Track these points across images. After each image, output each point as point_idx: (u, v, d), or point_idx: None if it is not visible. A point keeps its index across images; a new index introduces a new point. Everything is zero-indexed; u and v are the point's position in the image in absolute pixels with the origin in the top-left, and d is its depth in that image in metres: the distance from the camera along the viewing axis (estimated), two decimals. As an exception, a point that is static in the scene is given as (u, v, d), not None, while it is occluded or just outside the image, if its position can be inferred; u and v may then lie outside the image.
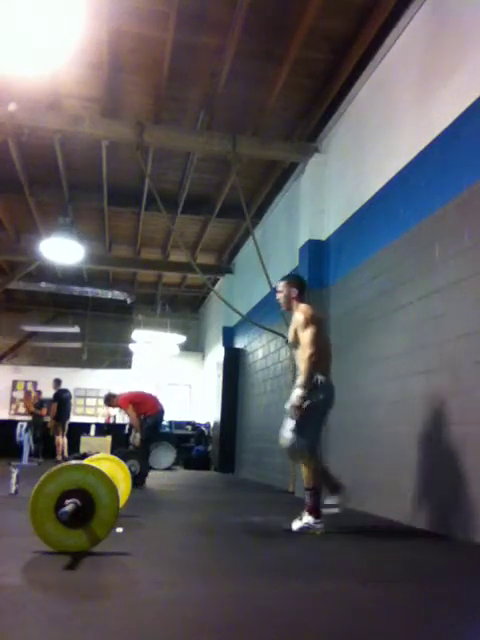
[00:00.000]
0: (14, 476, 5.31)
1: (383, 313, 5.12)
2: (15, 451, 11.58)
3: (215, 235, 10.81)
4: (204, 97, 6.49)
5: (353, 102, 6.15)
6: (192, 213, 9.60)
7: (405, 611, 2.16)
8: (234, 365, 10.88)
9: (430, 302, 4.37)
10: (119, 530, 3.55)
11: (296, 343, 4.04)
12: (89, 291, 12.95)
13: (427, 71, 4.74)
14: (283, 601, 2.24)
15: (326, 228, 6.66)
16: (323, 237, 6.68)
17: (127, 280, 13.74)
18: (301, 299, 4.20)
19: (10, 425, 13.39)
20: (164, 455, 11.06)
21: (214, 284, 12.45)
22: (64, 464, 3.05)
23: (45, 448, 12.79)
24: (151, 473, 7.70)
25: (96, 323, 15.08)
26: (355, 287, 5.76)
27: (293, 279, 4.35)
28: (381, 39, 5.36)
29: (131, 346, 14.65)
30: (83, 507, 2.83)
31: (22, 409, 15.29)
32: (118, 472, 4.01)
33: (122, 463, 4.18)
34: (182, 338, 13.93)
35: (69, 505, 2.78)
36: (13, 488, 5.29)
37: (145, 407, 7.53)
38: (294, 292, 4.20)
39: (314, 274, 6.62)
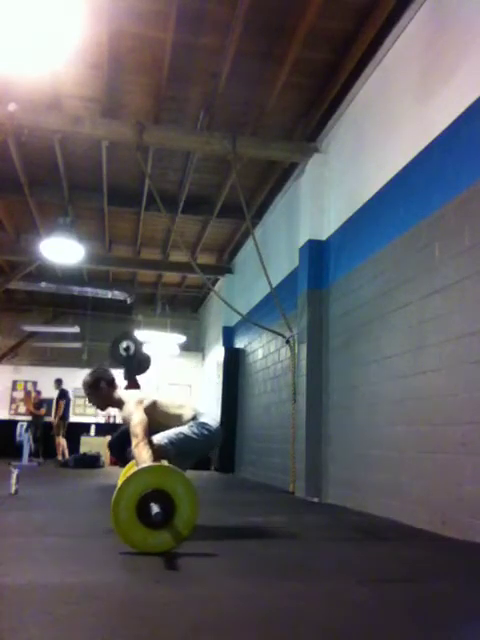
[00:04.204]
0: (14, 476, 5.32)
1: (383, 313, 5.12)
2: (15, 451, 11.60)
3: (215, 235, 10.80)
4: (204, 97, 6.48)
5: (353, 102, 6.15)
6: (192, 213, 9.60)
7: (405, 611, 2.16)
8: (234, 365, 10.87)
9: (430, 302, 4.37)
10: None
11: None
12: (89, 291, 12.94)
13: (427, 71, 4.74)
14: (283, 601, 2.24)
15: (326, 228, 6.66)
16: (323, 237, 6.68)
17: (127, 280, 13.74)
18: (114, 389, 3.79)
19: (10, 425, 13.42)
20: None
21: (214, 284, 12.44)
22: (138, 469, 3.08)
23: (45, 448, 12.80)
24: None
25: (96, 323, 15.06)
26: (355, 287, 5.76)
27: (96, 379, 3.75)
28: (381, 39, 5.36)
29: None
30: (164, 507, 2.91)
31: (22, 409, 15.28)
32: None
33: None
34: (182, 338, 13.93)
35: (156, 508, 2.85)
36: (13, 488, 5.30)
37: None
38: (105, 389, 3.73)
39: (314, 274, 6.63)
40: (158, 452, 3.49)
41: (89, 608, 2.07)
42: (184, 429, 3.71)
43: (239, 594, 2.33)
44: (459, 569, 3.02)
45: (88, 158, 7.95)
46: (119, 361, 7.87)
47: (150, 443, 3.43)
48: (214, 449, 3.90)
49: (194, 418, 3.78)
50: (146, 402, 3.66)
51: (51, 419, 12.55)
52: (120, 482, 3.10)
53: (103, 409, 3.98)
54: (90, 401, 3.81)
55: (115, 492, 2.92)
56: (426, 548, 3.56)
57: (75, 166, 8.24)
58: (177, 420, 3.77)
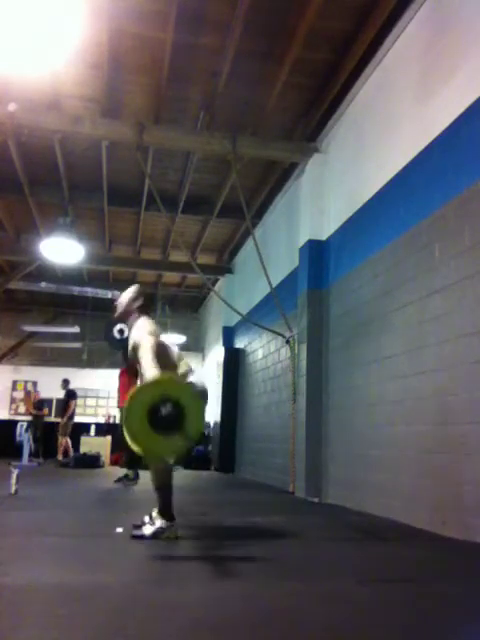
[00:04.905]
0: (14, 476, 5.31)
1: (383, 313, 5.12)
2: (15, 451, 11.60)
3: (215, 235, 10.81)
4: (204, 97, 6.48)
5: (353, 102, 6.15)
6: (192, 213, 9.60)
7: (405, 611, 2.16)
8: (234, 365, 10.88)
9: (430, 302, 4.37)
10: (119, 530, 3.55)
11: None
12: (89, 291, 12.95)
13: (427, 71, 4.74)
14: (283, 601, 2.24)
15: (326, 228, 6.66)
16: (323, 237, 6.68)
17: (127, 280, 13.72)
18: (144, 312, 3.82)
19: (10, 425, 13.43)
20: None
21: (214, 284, 12.45)
22: (146, 382, 3.15)
23: (45, 448, 12.80)
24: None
25: (96, 323, 15.04)
26: (355, 287, 5.76)
27: (136, 293, 3.88)
28: (381, 39, 5.36)
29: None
30: (174, 414, 2.97)
31: (22, 409, 15.30)
32: None
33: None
34: (182, 338, 13.93)
35: (167, 408, 2.92)
36: (13, 488, 5.29)
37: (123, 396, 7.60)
38: (139, 302, 3.80)
39: (314, 274, 6.63)
40: None
41: (89, 608, 2.07)
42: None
43: (239, 594, 2.33)
44: (459, 569, 3.02)
45: (88, 158, 7.95)
46: (114, 344, 7.84)
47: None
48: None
49: (185, 376, 3.65)
50: (157, 337, 3.60)
51: (59, 419, 12.58)
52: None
53: (122, 320, 3.91)
54: (114, 310, 3.86)
55: (126, 403, 2.99)
56: (426, 548, 3.56)
57: (75, 166, 8.25)
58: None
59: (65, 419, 12.08)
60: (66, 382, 12.56)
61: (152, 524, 3.42)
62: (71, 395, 12.29)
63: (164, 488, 3.48)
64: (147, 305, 3.89)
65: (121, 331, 7.24)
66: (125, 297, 3.85)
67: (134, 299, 3.82)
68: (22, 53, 5.70)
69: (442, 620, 2.10)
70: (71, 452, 12.02)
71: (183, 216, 9.55)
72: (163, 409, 2.92)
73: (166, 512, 3.43)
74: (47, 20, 5.24)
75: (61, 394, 12.45)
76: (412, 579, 2.69)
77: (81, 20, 5.28)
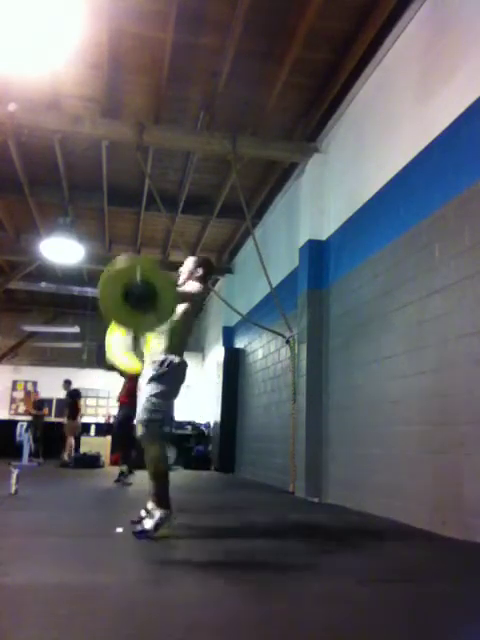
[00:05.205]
0: (14, 476, 5.31)
1: (383, 313, 5.12)
2: (15, 451, 11.59)
3: (215, 235, 10.80)
4: (204, 97, 6.48)
5: (353, 102, 6.15)
6: (192, 213, 9.60)
7: (405, 611, 2.16)
8: (234, 365, 10.87)
9: (430, 302, 4.37)
10: (119, 530, 3.55)
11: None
12: (89, 291, 12.95)
13: (427, 71, 4.74)
14: (283, 601, 2.24)
15: (326, 228, 6.66)
16: (323, 237, 6.68)
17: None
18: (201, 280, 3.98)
19: (10, 425, 13.42)
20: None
21: (214, 284, 12.45)
22: (116, 264, 3.27)
23: (45, 448, 12.80)
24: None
25: (96, 323, 15.02)
26: (355, 287, 5.76)
27: (200, 261, 4.08)
28: (381, 39, 5.36)
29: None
30: (146, 294, 3.19)
31: (22, 409, 15.30)
32: None
33: None
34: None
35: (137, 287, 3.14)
36: (13, 488, 5.29)
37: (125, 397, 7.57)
38: (199, 271, 3.95)
39: (314, 274, 6.63)
40: (152, 424, 3.49)
41: (89, 608, 2.07)
42: (156, 388, 3.55)
43: (239, 594, 2.32)
44: (459, 569, 3.02)
45: (88, 158, 7.95)
46: (107, 368, 7.77)
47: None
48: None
49: (176, 352, 3.68)
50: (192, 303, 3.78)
51: (63, 419, 12.59)
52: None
53: (187, 279, 3.93)
54: (182, 273, 3.98)
55: (103, 276, 3.19)
56: (426, 548, 3.56)
57: (75, 166, 8.24)
58: (181, 344, 3.75)
59: (78, 419, 12.14)
60: (68, 383, 12.57)
61: (151, 517, 3.41)
62: (77, 395, 12.34)
63: (161, 476, 3.49)
64: (205, 275, 3.99)
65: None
66: (187, 265, 4.00)
67: (195, 268, 3.95)
68: (22, 53, 5.70)
69: (442, 620, 2.10)
70: (72, 452, 12.03)
71: (183, 216, 9.55)
72: (137, 288, 3.13)
73: (163, 500, 3.44)
74: (47, 20, 5.24)
75: (61, 394, 12.44)
76: (412, 579, 2.69)
77: (81, 20, 5.29)
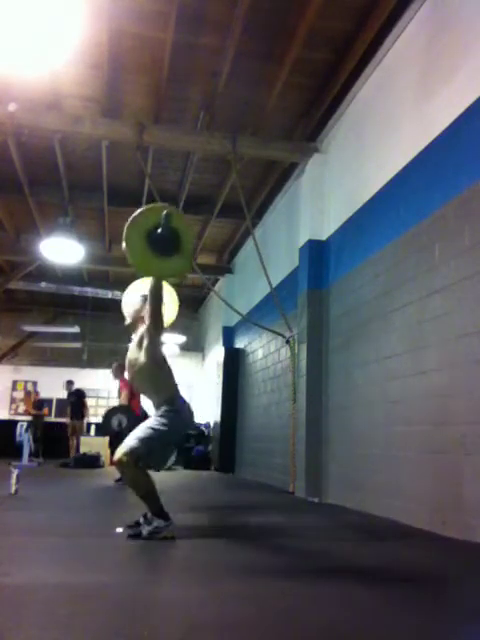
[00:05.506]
0: (14, 476, 5.32)
1: (383, 313, 5.12)
2: (15, 451, 11.60)
3: (215, 235, 10.80)
4: (204, 97, 6.48)
5: (353, 102, 6.15)
6: (192, 213, 9.57)
7: (404, 611, 2.16)
8: (234, 365, 10.87)
9: (430, 302, 4.37)
10: (119, 530, 3.55)
11: (136, 368, 3.64)
12: (89, 291, 12.95)
13: (427, 71, 4.74)
14: (283, 601, 2.24)
15: (326, 228, 6.66)
16: (323, 237, 6.68)
17: (127, 280, 13.70)
18: None
19: (10, 425, 13.42)
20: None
21: (214, 284, 12.45)
22: (142, 209, 3.49)
23: (45, 448, 12.80)
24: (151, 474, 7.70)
25: (96, 323, 15.06)
26: (355, 287, 5.76)
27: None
28: (381, 39, 5.36)
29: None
30: (170, 236, 3.36)
31: (22, 409, 15.30)
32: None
33: None
34: (182, 338, 13.93)
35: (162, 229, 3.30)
36: (13, 488, 5.30)
37: (134, 403, 7.64)
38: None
39: (314, 274, 6.63)
40: (129, 455, 3.36)
41: (89, 608, 2.07)
42: (153, 423, 3.52)
43: (239, 594, 2.32)
44: (459, 569, 3.02)
45: (88, 158, 7.95)
46: (110, 434, 7.79)
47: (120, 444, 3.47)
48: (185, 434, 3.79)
49: (171, 402, 3.61)
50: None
51: (64, 419, 12.64)
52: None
53: (133, 328, 3.82)
54: (129, 314, 3.89)
55: (123, 237, 3.33)
56: (426, 548, 3.56)
57: (75, 166, 8.24)
58: (166, 389, 3.64)
59: (79, 422, 12.24)
60: (71, 383, 12.59)
61: (148, 524, 3.41)
62: (82, 395, 12.44)
63: (148, 495, 3.45)
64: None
65: (120, 423, 7.27)
66: (130, 308, 3.88)
67: (141, 308, 3.80)
68: (22, 53, 5.70)
69: (442, 620, 2.10)
70: (73, 452, 12.05)
71: (183, 216, 9.53)
72: (160, 229, 3.28)
73: (160, 513, 3.42)
74: (47, 20, 5.24)
75: (61, 394, 12.46)
76: (412, 579, 2.69)
77: (81, 20, 5.28)
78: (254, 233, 7.93)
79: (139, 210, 3.50)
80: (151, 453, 3.44)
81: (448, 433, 3.99)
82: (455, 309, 4.06)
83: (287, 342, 7.41)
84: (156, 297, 3.58)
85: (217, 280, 12.59)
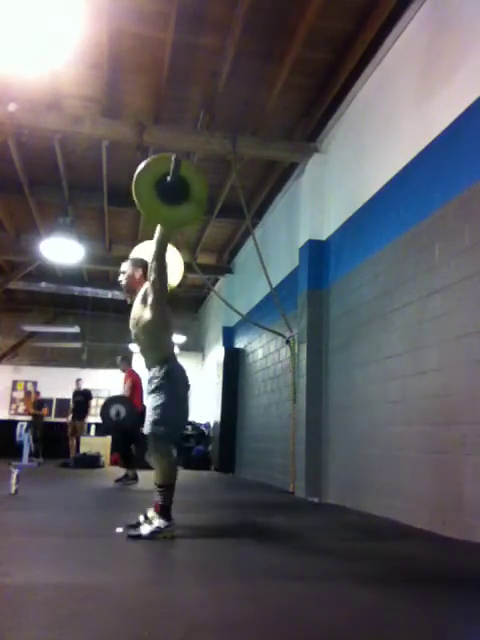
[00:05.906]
0: (14, 476, 5.31)
1: (383, 313, 5.12)
2: (15, 451, 11.60)
3: (215, 235, 10.80)
4: (204, 97, 6.48)
5: (353, 102, 6.15)
6: (192, 213, 9.58)
7: (404, 611, 2.16)
8: (234, 365, 10.87)
9: (430, 302, 4.37)
10: (119, 530, 3.55)
11: (139, 325, 3.67)
12: (89, 291, 12.95)
13: (427, 71, 4.74)
14: (283, 601, 2.24)
15: (326, 228, 6.66)
16: (323, 237, 6.68)
17: (127, 280, 13.73)
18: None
19: (10, 425, 13.43)
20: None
21: (214, 284, 12.44)
22: (150, 159, 3.49)
23: (45, 448, 12.80)
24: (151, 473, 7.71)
25: (96, 323, 15.06)
26: (355, 287, 5.76)
27: (138, 261, 3.88)
28: (381, 39, 5.36)
29: (131, 346, 14.64)
30: (181, 185, 3.33)
31: (22, 409, 15.30)
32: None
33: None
34: (182, 338, 13.93)
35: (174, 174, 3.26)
36: (13, 488, 5.29)
37: (136, 399, 7.67)
38: (139, 273, 3.78)
39: (314, 274, 6.63)
40: (154, 443, 3.48)
41: (89, 608, 2.07)
42: (157, 399, 3.52)
43: (239, 594, 2.32)
44: (459, 569, 3.02)
45: (88, 158, 7.95)
46: (108, 424, 7.80)
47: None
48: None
49: (163, 362, 3.59)
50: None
51: (65, 419, 12.67)
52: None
53: (130, 294, 3.86)
54: (124, 279, 3.86)
55: (133, 186, 3.35)
56: (426, 548, 3.56)
57: (75, 166, 8.24)
58: (162, 349, 3.65)
59: (81, 423, 12.37)
60: (80, 382, 12.79)
61: (149, 524, 3.41)
62: (89, 395, 12.50)
63: (168, 486, 3.47)
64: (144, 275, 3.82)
65: (118, 413, 7.31)
66: (126, 274, 3.85)
67: (134, 272, 3.80)
68: (22, 53, 5.70)
69: (442, 620, 2.10)
70: (73, 452, 12.07)
71: (183, 216, 9.53)
72: (168, 178, 3.25)
73: (166, 511, 3.42)
74: (47, 20, 5.24)
75: (61, 394, 12.47)
76: (411, 579, 2.69)
77: (81, 20, 5.29)
78: (254, 233, 7.93)
79: (147, 160, 3.47)
80: (170, 428, 3.52)
81: (448, 433, 3.99)
82: (455, 309, 4.06)
83: (287, 342, 7.41)
84: (161, 245, 3.55)
85: (217, 280, 12.59)
